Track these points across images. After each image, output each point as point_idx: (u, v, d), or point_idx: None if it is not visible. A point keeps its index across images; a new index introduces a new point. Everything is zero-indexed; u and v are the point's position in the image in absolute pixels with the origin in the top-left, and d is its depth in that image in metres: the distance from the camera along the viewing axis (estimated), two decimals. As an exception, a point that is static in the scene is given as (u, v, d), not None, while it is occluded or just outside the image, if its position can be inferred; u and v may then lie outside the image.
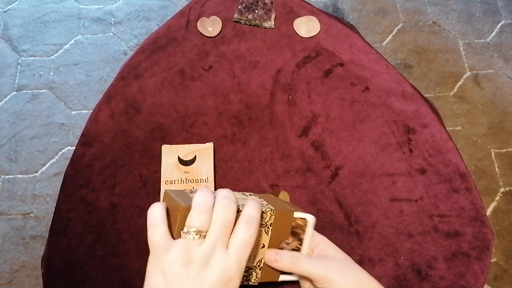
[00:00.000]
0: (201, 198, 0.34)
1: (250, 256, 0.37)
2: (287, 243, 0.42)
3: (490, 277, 1.11)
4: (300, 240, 0.43)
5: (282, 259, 0.40)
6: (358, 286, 0.40)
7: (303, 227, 0.43)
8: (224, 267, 0.32)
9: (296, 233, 0.43)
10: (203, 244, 0.32)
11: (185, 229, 0.33)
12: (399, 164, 0.56)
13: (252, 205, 0.35)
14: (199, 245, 0.32)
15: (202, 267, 0.32)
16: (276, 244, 0.41)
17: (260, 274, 0.41)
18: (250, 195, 0.43)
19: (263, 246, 0.40)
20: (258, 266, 0.41)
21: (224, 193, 0.35)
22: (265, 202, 0.41)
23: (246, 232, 0.33)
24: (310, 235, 0.43)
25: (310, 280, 0.41)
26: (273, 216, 0.39)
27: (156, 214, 0.34)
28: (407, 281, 0.50)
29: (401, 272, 0.51)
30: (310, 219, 0.43)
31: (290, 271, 0.41)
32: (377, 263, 0.51)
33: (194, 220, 0.33)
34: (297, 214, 0.42)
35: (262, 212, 0.38)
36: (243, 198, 0.40)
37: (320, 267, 0.39)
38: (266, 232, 0.40)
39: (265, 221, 0.39)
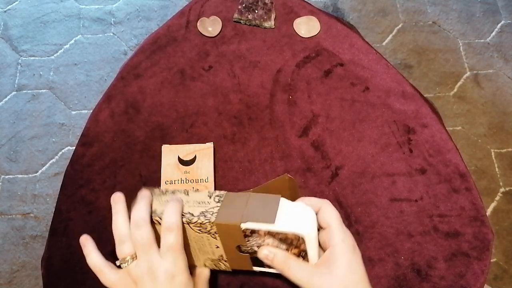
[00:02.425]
0: (116, 230, 0.40)
1: (204, 253, 0.41)
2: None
3: (490, 277, 1.11)
4: (300, 250, 0.39)
5: (274, 260, 0.40)
6: None
7: (298, 239, 0.38)
8: (163, 269, 0.36)
9: (291, 242, 0.39)
10: (137, 263, 0.38)
11: (118, 262, 0.39)
12: (399, 164, 0.56)
13: (169, 212, 0.38)
14: (135, 265, 0.38)
15: (148, 279, 0.37)
16: (231, 247, 0.40)
17: (229, 264, 0.43)
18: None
19: (217, 247, 0.41)
20: (223, 259, 0.42)
21: (134, 214, 0.39)
22: (207, 208, 0.40)
23: (168, 238, 0.37)
24: (314, 245, 0.39)
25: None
26: (214, 226, 0.39)
27: (94, 261, 0.41)
28: (407, 281, 0.50)
29: (401, 272, 0.51)
30: (306, 235, 0.38)
31: (281, 273, 0.40)
32: (377, 263, 0.51)
33: (121, 251, 0.39)
34: (284, 229, 0.38)
35: (200, 222, 0.39)
36: (202, 202, 0.41)
37: (311, 280, 0.38)
38: (213, 238, 0.40)
39: (208, 230, 0.39)
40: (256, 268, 0.43)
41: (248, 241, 0.40)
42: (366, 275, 0.39)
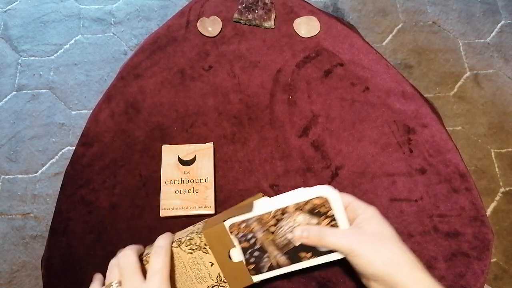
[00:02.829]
0: (110, 263, 0.42)
1: (202, 280, 0.43)
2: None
3: (490, 277, 1.11)
4: (329, 217, 0.41)
5: (309, 235, 0.41)
6: (389, 263, 0.38)
7: (324, 205, 0.41)
8: None
9: (319, 212, 0.41)
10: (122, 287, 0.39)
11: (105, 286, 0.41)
12: (399, 164, 0.56)
13: (161, 238, 0.42)
14: None
15: None
16: (224, 257, 0.43)
17: (228, 285, 0.43)
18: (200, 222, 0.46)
19: (212, 264, 0.43)
20: (222, 280, 0.43)
21: (123, 249, 0.42)
22: (195, 228, 0.44)
23: (155, 262, 0.39)
24: (340, 210, 0.41)
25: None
26: (203, 237, 0.42)
27: None
28: (407, 281, 0.50)
29: None
30: (328, 194, 0.40)
31: (319, 246, 0.41)
32: (377, 263, 0.51)
33: (109, 277, 0.41)
34: (309, 194, 0.41)
35: (189, 238, 0.42)
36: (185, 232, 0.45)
37: (348, 241, 0.39)
38: (205, 252, 0.43)
39: (198, 244, 0.43)
40: (257, 278, 0.44)
41: (281, 227, 0.42)
42: (395, 232, 0.41)
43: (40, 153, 1.25)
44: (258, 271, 0.44)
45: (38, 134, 1.27)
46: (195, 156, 0.55)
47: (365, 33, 1.41)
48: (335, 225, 0.42)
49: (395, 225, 0.53)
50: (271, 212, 0.42)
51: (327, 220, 0.42)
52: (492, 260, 1.12)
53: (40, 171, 1.23)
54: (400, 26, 1.44)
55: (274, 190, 0.55)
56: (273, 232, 0.42)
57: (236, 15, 0.66)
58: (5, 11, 1.46)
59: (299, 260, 0.43)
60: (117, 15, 1.45)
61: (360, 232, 0.40)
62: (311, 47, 0.64)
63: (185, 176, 0.54)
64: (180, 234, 0.45)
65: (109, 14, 1.45)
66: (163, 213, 0.52)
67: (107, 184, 0.56)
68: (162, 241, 0.42)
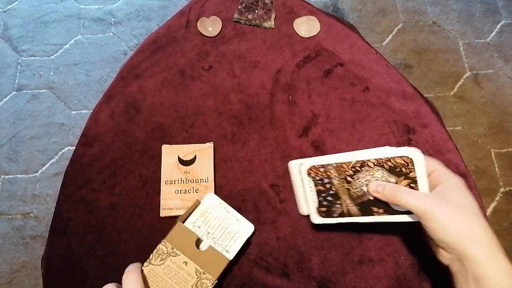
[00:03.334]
0: None
1: (184, 283, 0.45)
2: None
3: (490, 277, 1.11)
4: (409, 179, 0.41)
5: (384, 190, 0.41)
6: (465, 233, 0.37)
7: (407, 166, 0.40)
8: None
9: (401, 172, 0.41)
10: None
11: None
12: (399, 164, 0.56)
13: (130, 266, 0.44)
14: None
15: None
16: (194, 251, 0.46)
17: (209, 275, 0.46)
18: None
19: (186, 263, 0.46)
20: (201, 273, 0.46)
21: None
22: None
23: (127, 285, 0.41)
24: (423, 173, 0.40)
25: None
26: (167, 243, 0.46)
27: None
28: (407, 281, 0.50)
29: (401, 272, 0.51)
30: (414, 155, 0.40)
31: (393, 203, 0.41)
32: (377, 263, 0.51)
33: None
34: (394, 153, 0.40)
35: (156, 251, 0.46)
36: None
37: (425, 203, 0.38)
38: (175, 256, 0.46)
39: (166, 251, 0.46)
40: (325, 220, 0.46)
41: (358, 178, 0.43)
42: (478, 207, 0.39)
43: (40, 153, 1.25)
44: (328, 215, 0.46)
45: (38, 134, 1.27)
46: (195, 156, 0.55)
47: (365, 33, 1.41)
48: (414, 188, 0.41)
49: (395, 225, 0.53)
50: (351, 162, 0.43)
51: (406, 181, 0.41)
52: (492, 260, 1.12)
53: (40, 171, 1.23)
54: (400, 26, 1.44)
55: (274, 190, 0.55)
56: (349, 182, 0.43)
57: (236, 15, 0.66)
58: (5, 11, 1.46)
59: (370, 214, 0.44)
60: (117, 15, 1.45)
61: (439, 197, 0.39)
62: (311, 47, 0.64)
63: (185, 176, 0.54)
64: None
65: (109, 14, 1.45)
66: (163, 213, 0.52)
67: (107, 184, 0.56)
68: (131, 266, 0.44)
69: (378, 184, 0.42)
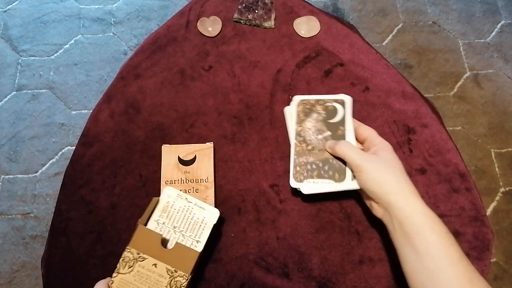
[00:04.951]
0: None
1: (158, 285, 0.44)
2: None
3: (490, 277, 1.11)
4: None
5: (329, 144, 0.51)
6: (388, 184, 0.44)
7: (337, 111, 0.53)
8: None
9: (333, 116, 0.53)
10: None
11: None
12: (399, 164, 0.56)
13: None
14: None
15: None
16: (160, 250, 0.46)
17: (182, 271, 0.45)
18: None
19: (156, 264, 0.45)
20: (173, 271, 0.45)
21: None
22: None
23: None
24: (348, 118, 0.53)
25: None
26: (132, 249, 0.45)
27: None
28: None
29: (401, 272, 0.51)
30: (345, 97, 0.54)
31: (335, 153, 0.50)
32: (377, 263, 0.51)
33: None
34: (331, 97, 0.55)
35: (122, 260, 0.45)
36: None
37: (356, 156, 0.47)
38: (142, 260, 0.45)
39: (132, 258, 0.45)
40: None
41: (309, 130, 0.53)
42: (402, 166, 0.47)
43: (40, 153, 1.25)
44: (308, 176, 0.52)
45: (38, 134, 1.27)
46: (195, 156, 0.55)
47: (365, 33, 1.41)
48: (342, 128, 0.53)
49: (395, 225, 0.53)
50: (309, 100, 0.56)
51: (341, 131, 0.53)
52: (492, 260, 1.12)
53: (40, 171, 1.23)
54: (400, 26, 1.44)
55: (274, 190, 0.55)
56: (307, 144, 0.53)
57: (236, 15, 0.66)
58: (5, 11, 1.46)
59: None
60: (117, 15, 1.45)
61: (370, 154, 0.48)
62: (311, 47, 0.64)
63: (185, 176, 0.54)
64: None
65: (109, 14, 1.45)
66: (163, 213, 0.52)
67: (107, 184, 0.56)
68: (97, 285, 0.44)
69: (333, 141, 0.51)
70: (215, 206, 0.54)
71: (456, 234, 0.52)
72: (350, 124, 0.53)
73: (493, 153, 1.25)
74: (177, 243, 0.46)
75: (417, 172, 0.56)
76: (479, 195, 0.54)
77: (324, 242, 0.52)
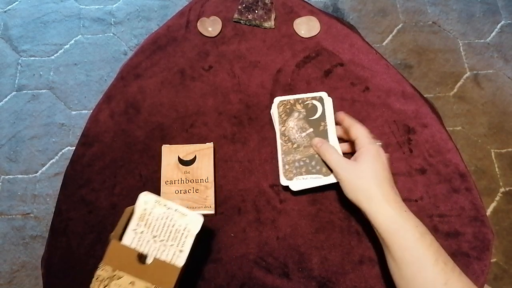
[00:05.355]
0: None
1: None
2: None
3: (490, 277, 1.11)
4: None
5: (321, 146, 0.52)
6: (361, 193, 0.46)
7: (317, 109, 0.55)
8: None
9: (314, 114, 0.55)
10: None
11: None
12: (399, 164, 0.56)
13: None
14: None
15: None
16: (137, 267, 0.42)
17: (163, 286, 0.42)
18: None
19: (133, 282, 0.42)
20: None
21: None
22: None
23: None
24: (328, 114, 0.55)
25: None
26: (106, 266, 0.42)
27: None
28: (407, 281, 0.50)
29: (401, 272, 0.51)
30: (323, 95, 0.56)
31: (322, 157, 0.52)
32: (377, 263, 0.51)
33: None
34: (309, 95, 0.57)
35: (95, 279, 0.42)
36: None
37: (338, 165, 0.49)
38: (118, 278, 0.42)
39: (106, 276, 0.42)
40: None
41: (292, 129, 0.55)
42: (388, 169, 0.47)
43: (40, 153, 1.25)
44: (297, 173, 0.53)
45: (38, 134, 1.27)
46: (195, 156, 0.55)
47: (365, 33, 1.41)
48: (324, 124, 0.54)
49: (395, 225, 0.53)
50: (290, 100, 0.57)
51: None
52: (492, 260, 1.12)
53: (40, 171, 1.23)
54: (400, 26, 1.44)
55: (274, 190, 0.55)
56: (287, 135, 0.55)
57: (236, 15, 0.66)
58: (5, 11, 1.46)
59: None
60: (117, 15, 1.45)
61: (349, 161, 0.49)
62: (311, 47, 0.64)
63: (185, 176, 0.54)
64: None
65: (109, 14, 1.45)
66: (163, 213, 0.52)
67: (107, 184, 0.56)
68: None
69: (319, 140, 0.53)
70: (215, 206, 0.54)
71: (456, 234, 0.52)
72: (331, 120, 0.55)
73: (493, 153, 1.25)
74: (155, 259, 0.43)
75: (417, 172, 0.56)
76: (479, 195, 0.54)
77: (324, 242, 0.52)
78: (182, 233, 0.45)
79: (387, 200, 0.44)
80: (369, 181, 0.45)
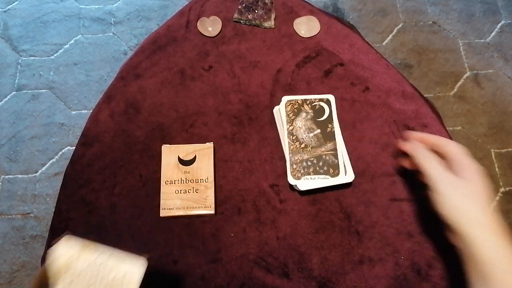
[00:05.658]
0: None
1: None
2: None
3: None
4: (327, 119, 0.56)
5: (418, 153, 0.47)
6: (460, 211, 0.40)
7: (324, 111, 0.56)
8: None
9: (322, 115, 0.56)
10: None
11: None
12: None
13: None
14: None
15: None
16: None
17: None
18: None
19: None
20: None
21: None
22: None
23: None
24: (334, 116, 0.56)
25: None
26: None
27: None
28: (407, 281, 0.50)
29: (401, 272, 0.51)
30: (329, 96, 0.58)
31: (418, 164, 0.47)
32: (377, 263, 0.51)
33: None
34: (316, 97, 0.58)
35: None
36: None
37: (435, 174, 0.43)
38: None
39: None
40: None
41: (300, 128, 0.56)
42: (487, 198, 0.42)
43: (40, 153, 1.25)
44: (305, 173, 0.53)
45: (38, 134, 1.27)
46: (195, 156, 0.55)
47: (365, 33, 1.41)
48: (331, 126, 0.56)
49: (395, 225, 0.53)
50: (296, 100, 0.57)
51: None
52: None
53: (40, 171, 1.23)
54: (400, 26, 1.44)
55: (274, 190, 0.55)
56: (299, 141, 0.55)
57: (236, 15, 0.66)
58: (5, 11, 1.46)
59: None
60: (117, 15, 1.45)
61: (454, 176, 0.43)
62: (311, 47, 0.64)
63: (185, 176, 0.54)
64: None
65: (109, 14, 1.45)
66: (163, 213, 0.52)
67: (107, 184, 0.56)
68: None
69: (414, 145, 0.48)
70: (215, 206, 0.54)
71: (456, 234, 0.52)
72: (337, 122, 0.56)
73: (493, 153, 1.25)
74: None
75: (417, 172, 0.56)
76: (479, 195, 0.54)
77: (324, 242, 0.52)
78: (122, 282, 0.37)
79: (494, 229, 0.39)
80: (475, 203, 0.41)
